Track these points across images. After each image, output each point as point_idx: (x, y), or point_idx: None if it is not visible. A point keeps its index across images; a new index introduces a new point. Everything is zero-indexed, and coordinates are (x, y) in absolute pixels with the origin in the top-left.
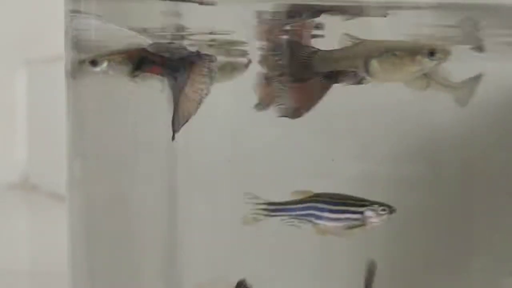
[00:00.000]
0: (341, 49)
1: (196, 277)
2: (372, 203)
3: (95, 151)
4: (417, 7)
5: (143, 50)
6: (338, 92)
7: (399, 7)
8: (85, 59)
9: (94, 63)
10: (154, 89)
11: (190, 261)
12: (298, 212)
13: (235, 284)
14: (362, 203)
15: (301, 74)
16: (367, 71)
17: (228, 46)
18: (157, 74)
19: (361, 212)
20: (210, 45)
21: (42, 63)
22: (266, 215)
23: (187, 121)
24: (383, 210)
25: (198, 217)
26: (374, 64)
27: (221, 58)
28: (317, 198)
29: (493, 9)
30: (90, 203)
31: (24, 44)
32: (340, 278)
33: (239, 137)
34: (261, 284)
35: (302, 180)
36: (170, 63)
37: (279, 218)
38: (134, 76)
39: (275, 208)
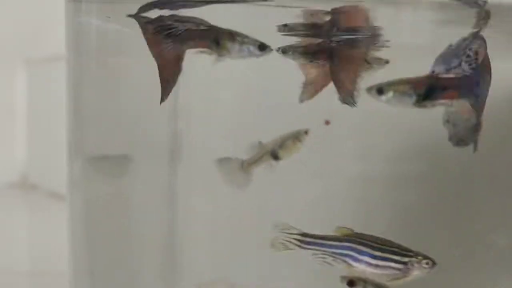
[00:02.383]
0: None
1: (196, 277)
2: (416, 254)
3: (95, 151)
4: None
5: (432, 77)
6: None
7: None
8: (371, 87)
9: (380, 91)
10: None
11: (190, 261)
12: (334, 250)
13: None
14: (405, 252)
15: None
16: None
17: None
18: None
19: (405, 263)
20: None
21: (42, 62)
22: (298, 246)
23: None
24: (427, 263)
25: (198, 217)
26: None
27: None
28: (358, 239)
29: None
30: (90, 203)
31: (23, 44)
32: (339, 278)
33: (239, 136)
34: (261, 284)
35: (302, 180)
36: (465, 83)
37: (310, 251)
38: (421, 106)
39: (310, 240)
